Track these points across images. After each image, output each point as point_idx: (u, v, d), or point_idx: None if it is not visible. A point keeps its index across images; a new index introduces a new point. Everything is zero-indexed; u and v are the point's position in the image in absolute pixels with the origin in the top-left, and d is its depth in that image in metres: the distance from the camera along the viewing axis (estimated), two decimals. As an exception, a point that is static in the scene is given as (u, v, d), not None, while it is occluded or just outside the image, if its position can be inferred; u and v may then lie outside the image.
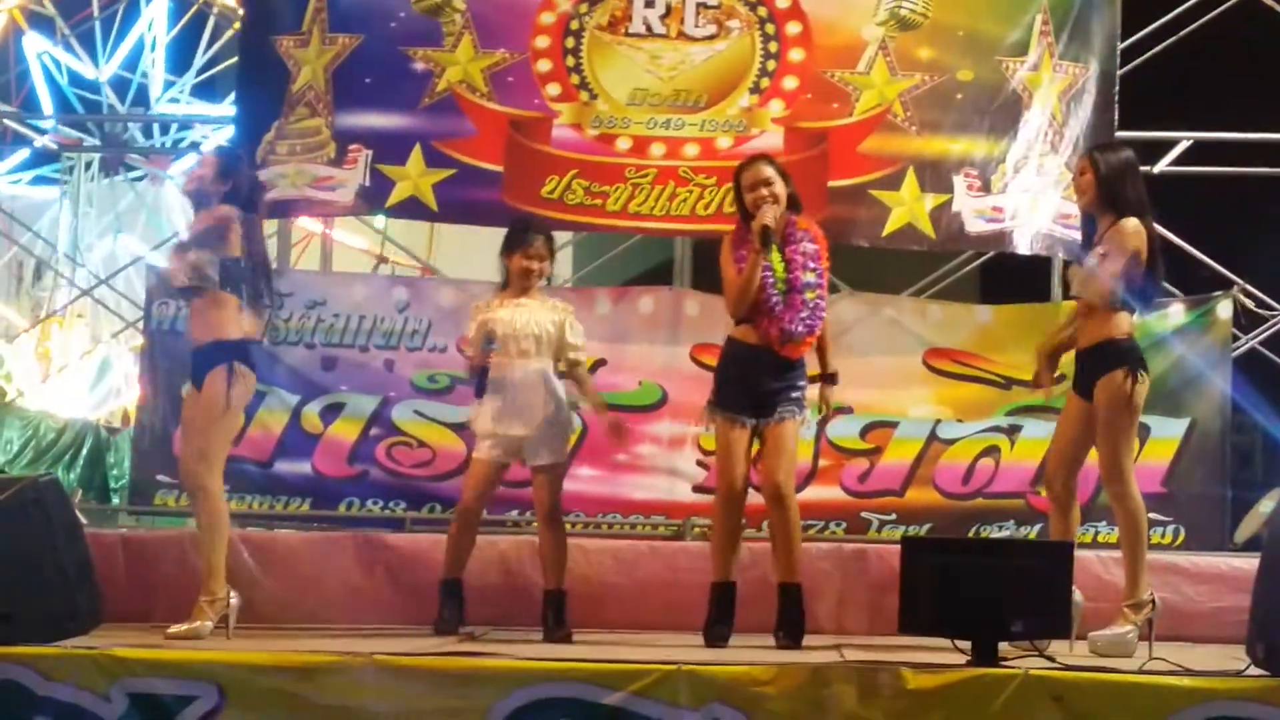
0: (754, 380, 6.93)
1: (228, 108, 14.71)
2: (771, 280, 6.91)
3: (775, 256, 6.93)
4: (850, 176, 8.79)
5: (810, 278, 6.96)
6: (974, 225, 8.75)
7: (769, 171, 7.01)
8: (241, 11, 10.24)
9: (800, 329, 6.90)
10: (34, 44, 14.85)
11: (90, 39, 15.17)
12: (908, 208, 8.77)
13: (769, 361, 6.92)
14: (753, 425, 6.93)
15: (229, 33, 15.09)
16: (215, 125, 14.43)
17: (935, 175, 8.80)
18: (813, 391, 7.13)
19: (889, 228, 8.79)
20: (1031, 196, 8.76)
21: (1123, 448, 6.86)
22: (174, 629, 6.78)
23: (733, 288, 6.97)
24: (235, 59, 14.86)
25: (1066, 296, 7.21)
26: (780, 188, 6.97)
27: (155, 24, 15.37)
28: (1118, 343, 6.84)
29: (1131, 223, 6.82)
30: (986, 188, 8.78)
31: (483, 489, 7.30)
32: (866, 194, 8.79)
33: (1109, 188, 6.90)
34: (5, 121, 12.90)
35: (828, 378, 7.13)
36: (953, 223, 8.77)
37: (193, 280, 6.97)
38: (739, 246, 6.97)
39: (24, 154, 15.19)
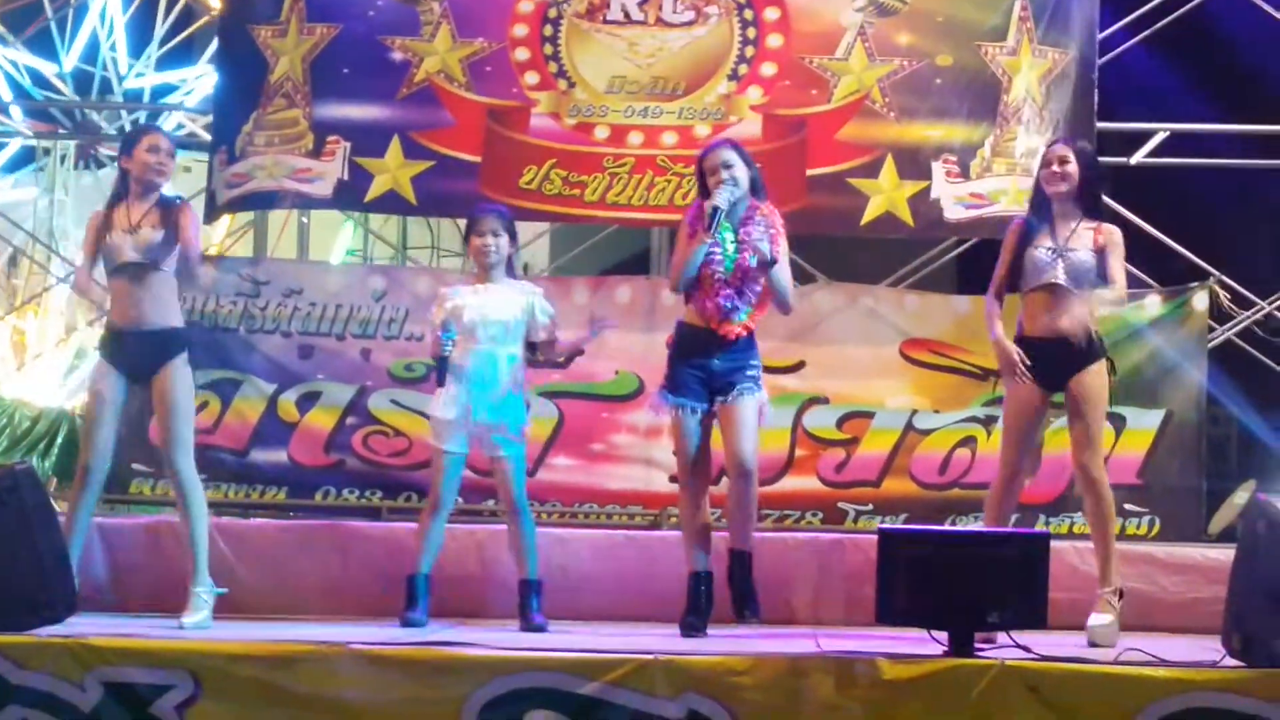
0: (701, 360, 6.95)
1: (203, 67, 14.76)
2: (719, 258, 6.93)
3: (728, 236, 6.94)
4: (828, 165, 8.78)
5: (755, 261, 6.95)
6: (953, 212, 8.75)
7: (730, 155, 7.00)
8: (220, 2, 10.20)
9: (735, 305, 6.92)
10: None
11: (48, 41, 15.14)
12: (886, 196, 8.77)
13: (713, 341, 6.94)
14: (705, 410, 6.95)
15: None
16: (177, 108, 14.46)
17: (914, 162, 8.78)
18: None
19: (867, 216, 8.78)
20: (1011, 181, 8.75)
21: (1102, 434, 7.01)
22: (189, 619, 6.78)
23: (674, 262, 7.08)
24: (197, 25, 15.02)
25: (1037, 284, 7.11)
26: (740, 171, 6.97)
27: (110, 5, 15.33)
28: (1096, 335, 6.93)
29: (1119, 231, 7.04)
30: (965, 174, 8.76)
31: (451, 481, 7.28)
32: (845, 182, 8.78)
33: (1090, 187, 7.00)
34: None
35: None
36: (931, 210, 8.76)
37: (154, 260, 6.96)
38: (693, 224, 6.99)
39: (16, 144, 15.15)
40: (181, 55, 15.82)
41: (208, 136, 11.48)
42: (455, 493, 7.33)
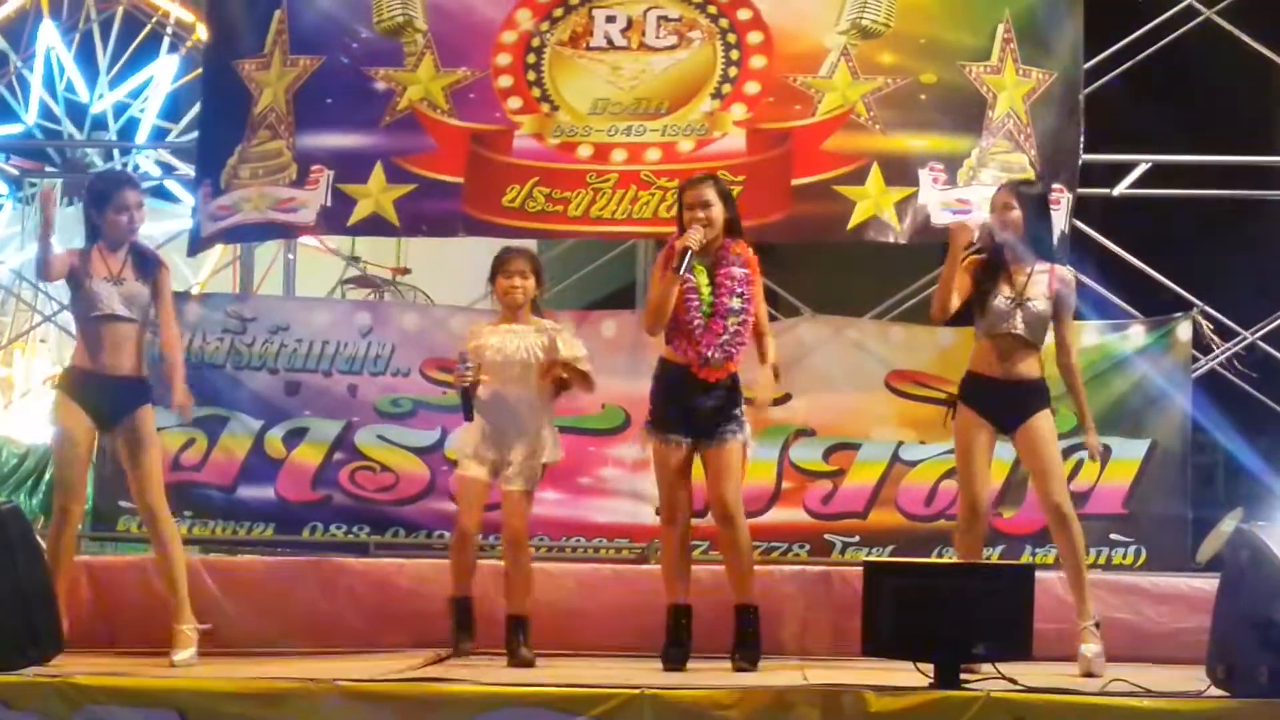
0: (684, 398, 6.99)
1: (157, 67, 14.82)
2: (696, 303, 6.97)
3: (703, 279, 6.99)
4: (814, 174, 8.76)
5: (735, 303, 6.99)
6: (940, 217, 8.69)
7: (709, 194, 7.04)
8: (206, 33, 10.25)
9: (717, 355, 6.95)
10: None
11: (4, 106, 15.31)
12: (873, 201, 8.70)
13: (695, 383, 6.98)
14: (689, 445, 6.98)
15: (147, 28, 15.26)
16: (147, 147, 14.56)
17: (900, 170, 8.73)
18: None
19: (854, 221, 8.71)
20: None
21: (1061, 466, 7.18)
22: (178, 656, 6.78)
23: (649, 302, 7.10)
24: (143, 33, 15.09)
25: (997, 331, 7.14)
26: (718, 211, 7.01)
27: (55, 49, 15.44)
28: (1044, 381, 7.09)
29: (1073, 274, 7.22)
30: (952, 181, 8.74)
31: (474, 505, 7.29)
32: (830, 189, 8.72)
33: (1038, 228, 7.05)
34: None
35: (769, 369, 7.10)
36: (918, 215, 8.70)
37: (138, 315, 7.01)
38: (667, 263, 7.02)
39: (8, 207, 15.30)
40: (136, 62, 15.88)
41: (177, 163, 11.59)
42: (480, 516, 7.30)
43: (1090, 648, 6.80)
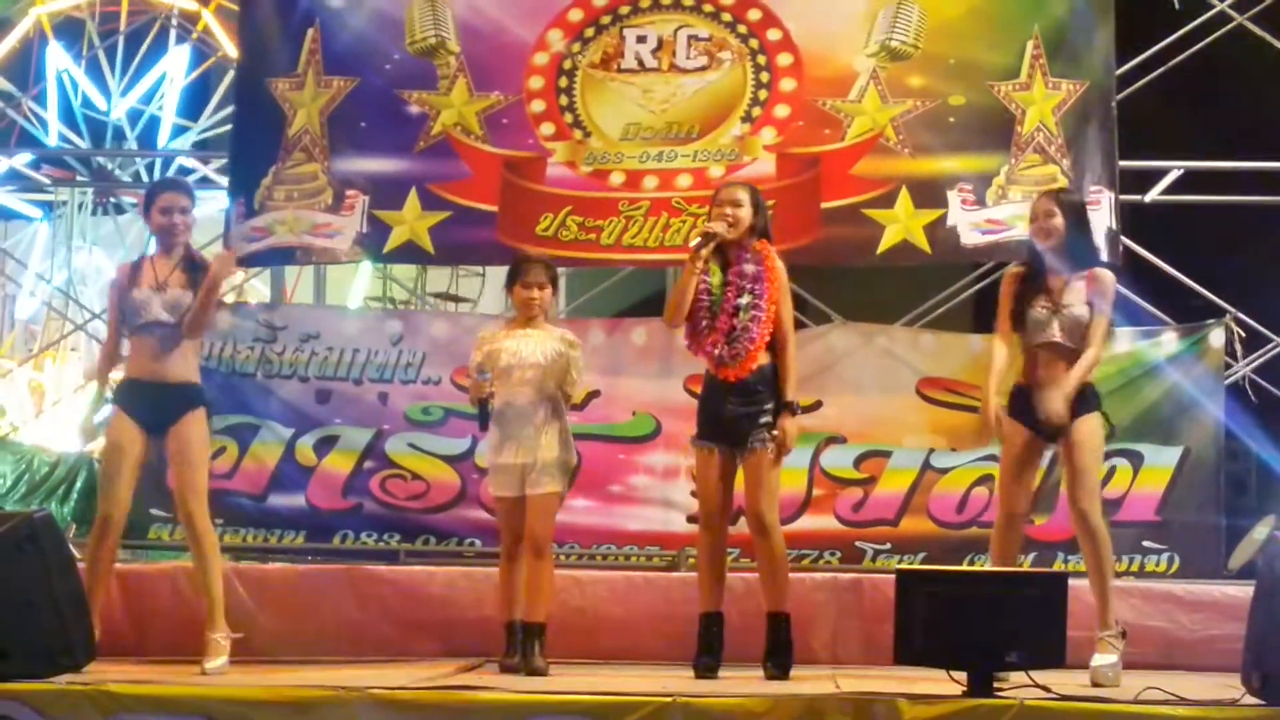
0: (715, 405, 6.95)
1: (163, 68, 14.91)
2: (707, 303, 6.93)
3: (716, 279, 6.94)
4: (843, 198, 8.81)
5: (744, 300, 6.89)
6: (970, 238, 8.75)
7: (740, 195, 7.00)
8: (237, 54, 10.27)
9: (725, 352, 6.89)
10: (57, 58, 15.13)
11: (23, 132, 15.38)
12: (902, 225, 8.77)
13: (723, 385, 6.94)
14: (727, 453, 6.94)
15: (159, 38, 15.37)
16: (180, 153, 14.64)
17: (929, 192, 8.81)
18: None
19: (884, 245, 8.78)
20: (1028, 206, 8.72)
21: (1097, 480, 6.98)
22: (211, 664, 6.77)
23: (670, 296, 7.14)
24: (150, 36, 15.18)
25: (1036, 341, 7.05)
26: (745, 212, 6.94)
27: (67, 69, 15.48)
28: (1091, 386, 6.93)
29: (1110, 275, 7.01)
30: (981, 201, 8.77)
31: (513, 524, 7.24)
32: (860, 214, 8.80)
33: (1079, 236, 6.97)
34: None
35: (785, 407, 6.95)
36: (948, 237, 8.76)
37: (187, 321, 6.99)
38: (693, 262, 6.99)
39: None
40: (148, 61, 15.96)
41: (212, 174, 11.63)
42: (521, 534, 7.25)
43: (1103, 658, 6.70)
